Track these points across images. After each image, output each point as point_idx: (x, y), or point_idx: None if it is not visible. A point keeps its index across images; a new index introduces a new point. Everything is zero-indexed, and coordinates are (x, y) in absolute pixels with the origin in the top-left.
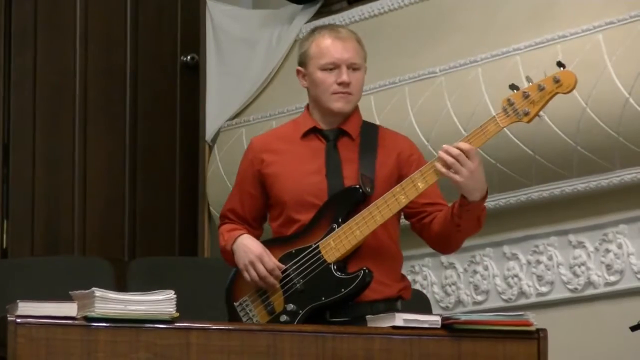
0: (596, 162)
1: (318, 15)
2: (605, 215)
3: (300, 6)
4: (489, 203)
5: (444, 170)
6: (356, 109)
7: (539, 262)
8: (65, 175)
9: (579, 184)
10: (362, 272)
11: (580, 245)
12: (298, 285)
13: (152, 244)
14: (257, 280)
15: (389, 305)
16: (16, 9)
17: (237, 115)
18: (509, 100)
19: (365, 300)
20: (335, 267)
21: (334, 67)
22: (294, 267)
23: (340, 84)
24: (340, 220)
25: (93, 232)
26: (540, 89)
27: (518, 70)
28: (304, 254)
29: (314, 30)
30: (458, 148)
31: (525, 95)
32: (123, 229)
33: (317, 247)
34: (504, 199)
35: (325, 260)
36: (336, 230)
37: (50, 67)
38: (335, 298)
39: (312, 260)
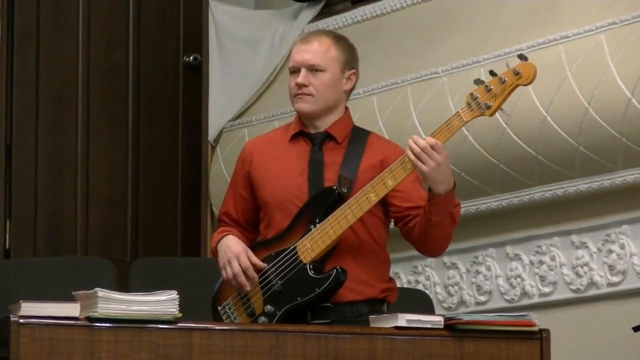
0: (599, 162)
1: (320, 15)
2: (608, 216)
3: (304, 4)
4: (492, 203)
5: (413, 158)
6: (346, 114)
7: (541, 262)
8: (67, 175)
9: (582, 185)
10: (334, 270)
11: (583, 245)
12: (276, 286)
13: (154, 245)
14: (231, 278)
15: (372, 307)
16: (19, 8)
17: (239, 115)
18: (472, 94)
19: (347, 300)
20: (310, 267)
21: (294, 70)
22: (273, 268)
23: (295, 85)
24: (317, 221)
25: (95, 233)
26: (502, 82)
27: None
28: (282, 256)
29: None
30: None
31: (488, 89)
32: (125, 229)
33: (295, 248)
34: (506, 199)
35: (301, 261)
36: (312, 231)
37: (52, 67)
38: (310, 297)
39: (289, 262)
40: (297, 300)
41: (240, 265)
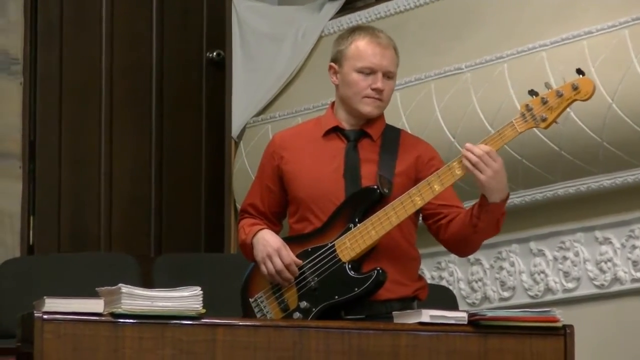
0: (622, 158)
1: (343, 11)
2: (631, 212)
3: (327, 0)
4: (515, 199)
5: (470, 166)
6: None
7: (565, 258)
8: (91, 171)
9: (605, 180)
10: (375, 272)
11: (607, 241)
12: (312, 283)
13: (178, 241)
14: (273, 273)
15: (404, 304)
16: (42, 6)
17: (262, 111)
18: (527, 105)
19: (380, 299)
20: (349, 266)
21: (370, 72)
22: (309, 265)
23: (374, 89)
24: (356, 220)
25: (119, 229)
26: (559, 95)
27: (544, 66)
28: (319, 253)
29: (353, 30)
30: (481, 149)
31: (544, 102)
32: (149, 225)
33: (333, 246)
34: (529, 195)
35: (340, 260)
36: (352, 230)
37: (76, 64)
38: (348, 297)
39: (327, 259)
40: (335, 299)
41: (282, 260)
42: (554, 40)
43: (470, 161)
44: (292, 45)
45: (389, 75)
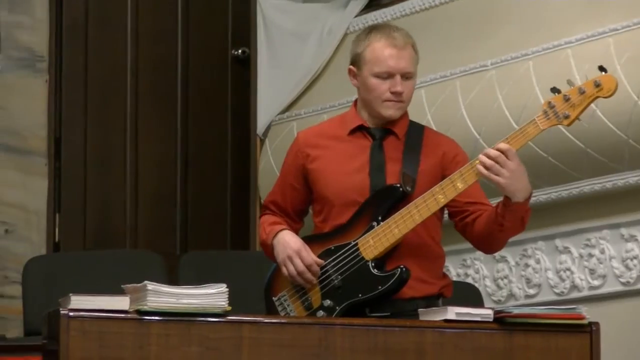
0: None
1: (368, 8)
2: None
3: None
4: (541, 196)
5: (484, 171)
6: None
7: (591, 255)
8: (116, 168)
9: (631, 177)
10: (399, 270)
11: (633, 238)
12: (336, 281)
13: (203, 238)
14: (294, 275)
15: (429, 302)
16: (67, 3)
17: (288, 108)
18: (549, 103)
19: (405, 297)
20: (373, 264)
21: (388, 76)
22: (333, 263)
23: (393, 93)
24: (379, 218)
25: (144, 226)
26: (581, 92)
27: (569, 63)
28: (342, 251)
29: (369, 32)
30: (497, 149)
31: (566, 99)
32: (174, 223)
33: (356, 244)
34: (555, 192)
35: (363, 258)
36: (375, 228)
37: (101, 61)
38: (372, 295)
39: (350, 257)
40: (358, 297)
41: (302, 262)
42: (579, 38)
43: (484, 165)
44: (317, 42)
45: (407, 76)
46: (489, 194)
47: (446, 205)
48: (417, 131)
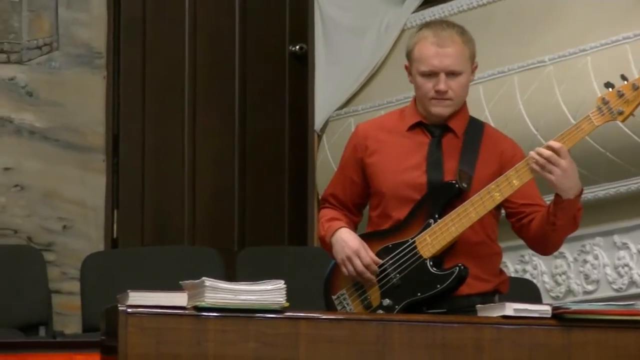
0: None
1: (426, 4)
2: None
3: None
4: (599, 192)
5: (538, 169)
6: (463, 106)
7: None
8: (174, 165)
9: None
10: (457, 268)
11: None
12: (394, 280)
13: (261, 234)
14: (354, 275)
15: (485, 299)
16: (124, 0)
17: (345, 104)
18: (603, 99)
19: (461, 294)
20: (431, 262)
21: (431, 74)
22: (391, 262)
23: (437, 91)
24: (436, 215)
25: (202, 222)
26: (635, 88)
27: (627, 59)
28: (400, 249)
29: (420, 29)
30: (549, 147)
31: (620, 94)
32: (232, 219)
33: (414, 242)
34: (613, 188)
35: (421, 256)
36: (432, 226)
37: (158, 57)
38: (431, 294)
39: (408, 256)
40: (417, 296)
41: (361, 261)
42: (637, 33)
43: (537, 164)
44: (374, 38)
45: (453, 73)
46: (542, 191)
47: (503, 206)
48: (477, 128)
